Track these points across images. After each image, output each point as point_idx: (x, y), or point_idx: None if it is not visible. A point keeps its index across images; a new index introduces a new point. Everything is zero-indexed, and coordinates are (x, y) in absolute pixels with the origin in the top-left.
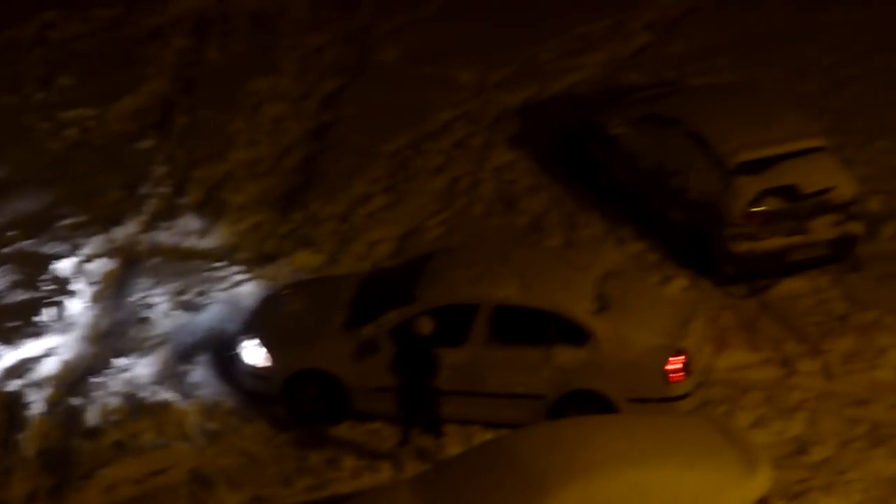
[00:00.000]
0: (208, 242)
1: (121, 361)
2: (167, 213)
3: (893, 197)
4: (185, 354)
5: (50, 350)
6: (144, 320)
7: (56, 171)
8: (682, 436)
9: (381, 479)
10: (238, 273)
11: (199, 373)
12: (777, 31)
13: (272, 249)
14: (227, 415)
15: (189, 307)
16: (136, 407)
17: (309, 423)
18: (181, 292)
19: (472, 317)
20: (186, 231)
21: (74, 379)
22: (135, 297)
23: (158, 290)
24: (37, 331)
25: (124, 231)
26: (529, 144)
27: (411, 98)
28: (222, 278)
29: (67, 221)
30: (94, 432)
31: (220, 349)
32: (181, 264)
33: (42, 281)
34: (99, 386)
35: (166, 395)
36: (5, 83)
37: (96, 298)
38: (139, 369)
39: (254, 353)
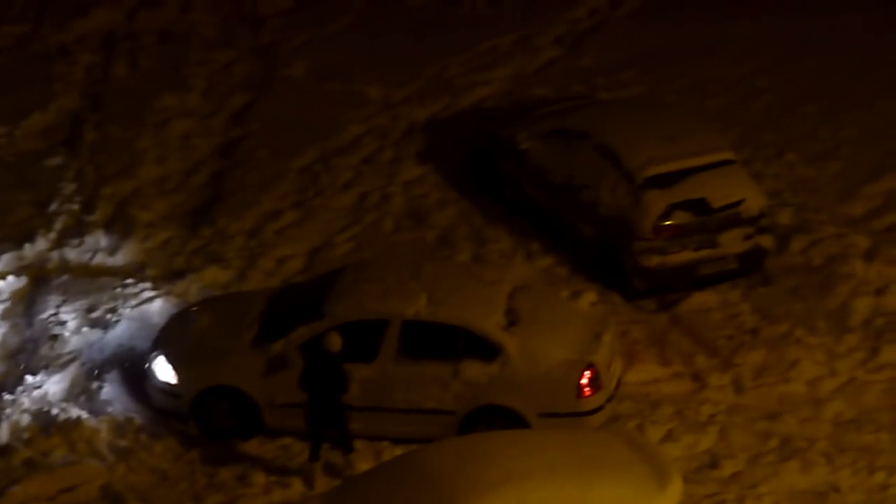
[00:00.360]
0: (117, 259)
1: (31, 379)
2: (76, 231)
3: (803, 210)
4: (95, 372)
5: None
6: (54, 338)
7: None
8: (593, 450)
9: (291, 495)
10: (147, 290)
11: (110, 390)
12: (685, 45)
13: (181, 266)
14: (138, 432)
15: (99, 324)
16: (46, 424)
17: (219, 439)
18: (91, 309)
19: (382, 332)
20: (96, 248)
21: None
22: (44, 315)
23: (68, 308)
24: None
25: (34, 248)
26: (438, 159)
27: (320, 113)
28: (132, 295)
29: None
30: (4, 450)
31: (130, 366)
32: (91, 282)
33: None
34: (9, 403)
35: (77, 412)
36: None
37: (5, 316)
38: (49, 387)
39: (163, 370)
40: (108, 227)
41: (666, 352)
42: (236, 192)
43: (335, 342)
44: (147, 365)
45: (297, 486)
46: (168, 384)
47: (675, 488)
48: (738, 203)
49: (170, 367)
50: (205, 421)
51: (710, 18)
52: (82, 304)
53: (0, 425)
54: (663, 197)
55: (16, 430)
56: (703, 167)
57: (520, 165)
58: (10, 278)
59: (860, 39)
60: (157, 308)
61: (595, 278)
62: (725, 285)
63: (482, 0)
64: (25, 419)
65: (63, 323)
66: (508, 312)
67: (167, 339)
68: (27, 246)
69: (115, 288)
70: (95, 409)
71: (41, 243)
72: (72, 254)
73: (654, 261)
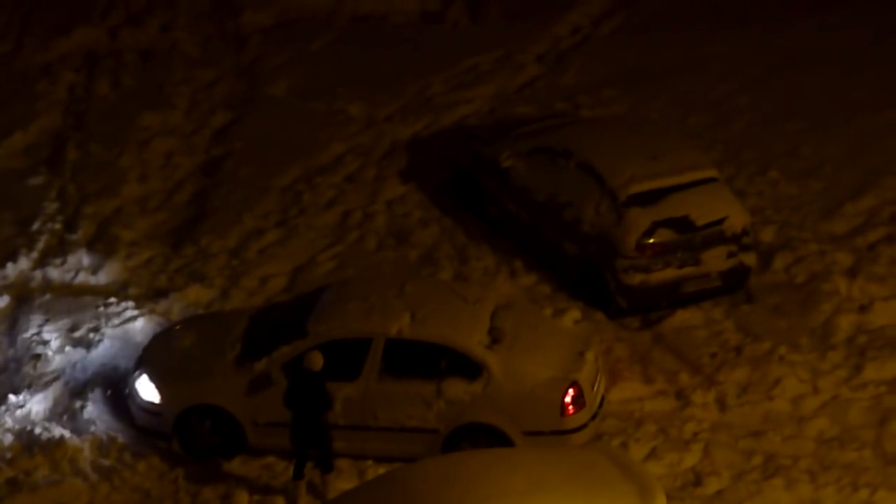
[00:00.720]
0: (100, 278)
1: (14, 398)
2: (59, 250)
3: (785, 228)
4: (78, 391)
5: None
6: (37, 357)
7: None
8: (577, 468)
9: None
10: (130, 309)
11: (93, 409)
12: (667, 63)
13: (164, 285)
14: (121, 451)
15: (82, 343)
16: (29, 443)
17: (203, 458)
18: (74, 328)
19: (365, 351)
20: (78, 267)
21: None
22: (27, 334)
23: (51, 327)
24: None
25: (16, 268)
26: (421, 177)
27: (302, 132)
28: (114, 314)
29: None
30: None
31: (113, 385)
32: (73, 301)
33: None
34: None
35: (60, 431)
36: None
37: None
38: (32, 406)
39: (146, 389)
40: (90, 246)
41: (649, 369)
42: (219, 210)
43: (317, 361)
44: (130, 384)
45: None
46: (151, 403)
47: None
48: (722, 221)
49: (153, 385)
50: (188, 440)
51: (692, 37)
52: (65, 323)
53: None
54: (646, 215)
55: None
56: (686, 185)
57: (502, 183)
58: None
59: (840, 58)
60: (140, 327)
61: (578, 296)
62: (709, 303)
63: (464, 18)
64: (8, 438)
65: (46, 342)
66: (491, 331)
67: (150, 358)
68: (9, 265)
69: (97, 307)
70: (78, 428)
71: (23, 262)
72: (54, 273)
73: (637, 278)
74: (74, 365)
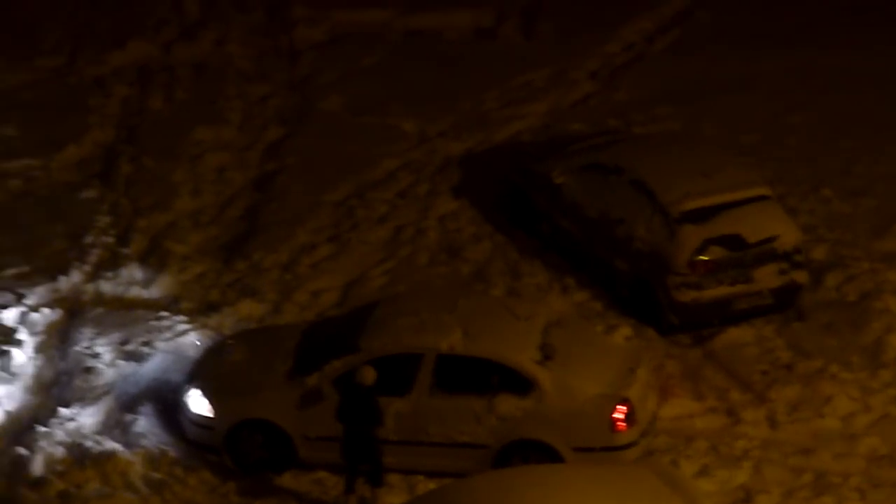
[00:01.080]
0: (152, 292)
1: (65, 411)
2: (111, 263)
3: (837, 246)
4: (129, 404)
5: None
6: (89, 370)
7: (0, 221)
8: (628, 485)
9: None
10: (182, 323)
11: (144, 423)
12: (719, 81)
13: (216, 299)
14: (172, 464)
15: (133, 357)
16: (80, 457)
17: (253, 472)
18: (125, 342)
19: (416, 366)
20: (130, 281)
21: (19, 429)
22: (79, 348)
23: (102, 340)
24: None
25: (68, 281)
26: (473, 193)
27: (355, 147)
28: (166, 328)
29: (11, 271)
30: (39, 482)
31: (165, 399)
32: (125, 314)
33: None
34: (44, 436)
35: (111, 444)
36: None
37: (40, 348)
38: (84, 419)
39: (198, 403)
40: (142, 259)
41: (700, 386)
42: (271, 225)
43: (369, 376)
44: (181, 397)
45: None
46: (203, 417)
47: None
48: (773, 238)
49: (204, 399)
50: (239, 454)
51: (745, 55)
52: (117, 336)
53: (34, 458)
54: (698, 232)
55: (50, 462)
56: (739, 202)
57: (555, 200)
58: (45, 311)
59: (893, 76)
60: (191, 341)
61: (630, 313)
62: (760, 320)
63: (517, 34)
64: (60, 451)
65: (97, 355)
66: (543, 347)
67: (202, 372)
68: (62, 278)
69: (149, 321)
70: (130, 442)
71: (76, 276)
72: (106, 286)
73: (689, 295)
74: (126, 378)
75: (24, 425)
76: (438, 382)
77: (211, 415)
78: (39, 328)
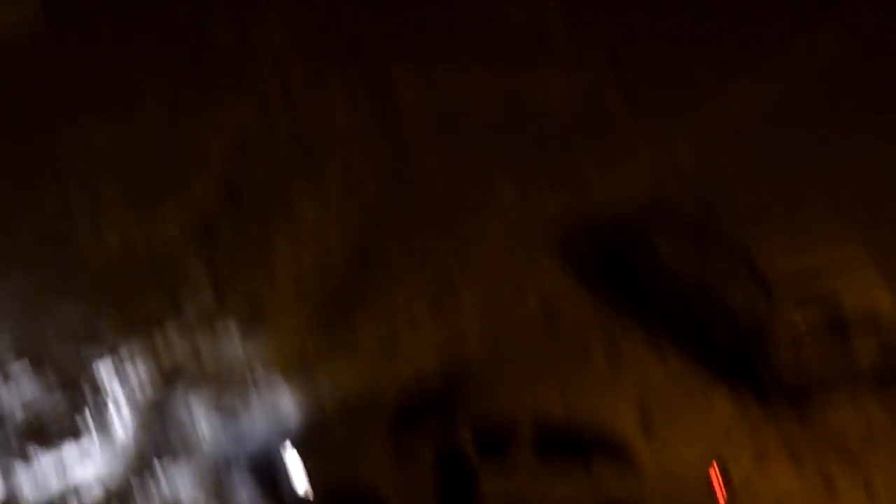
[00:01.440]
0: (248, 350)
1: (159, 468)
2: (207, 320)
3: None
4: (225, 465)
5: (90, 457)
6: (183, 426)
7: (97, 278)
8: None
9: None
10: (278, 382)
11: (239, 481)
12: (822, 149)
13: (312, 360)
14: None
15: (230, 418)
16: None
17: None
18: (222, 403)
19: (515, 432)
20: (227, 338)
21: (115, 487)
22: (174, 405)
23: (198, 399)
24: (76, 438)
25: (164, 337)
26: (571, 256)
27: (453, 207)
28: (262, 387)
29: (107, 326)
30: None
31: (261, 461)
32: (222, 374)
33: (82, 388)
34: (140, 494)
35: (207, 501)
36: (48, 190)
37: (136, 407)
38: (178, 476)
39: (294, 466)
40: (239, 318)
41: (797, 453)
42: (370, 286)
43: (467, 441)
44: (277, 458)
45: None
46: (299, 479)
47: None
48: (874, 307)
49: (301, 462)
50: None
51: (845, 123)
52: (213, 395)
53: None
54: (798, 298)
55: None
56: (837, 266)
57: (653, 264)
58: (142, 369)
59: None
60: (288, 402)
61: (729, 378)
62: (860, 389)
63: (619, 96)
64: None
65: (194, 415)
66: (641, 413)
67: (299, 435)
68: (157, 334)
69: (245, 379)
70: (224, 501)
71: (172, 332)
72: (202, 343)
73: (789, 362)
74: (222, 439)
75: (121, 483)
76: (537, 449)
77: (308, 477)
78: (136, 386)
